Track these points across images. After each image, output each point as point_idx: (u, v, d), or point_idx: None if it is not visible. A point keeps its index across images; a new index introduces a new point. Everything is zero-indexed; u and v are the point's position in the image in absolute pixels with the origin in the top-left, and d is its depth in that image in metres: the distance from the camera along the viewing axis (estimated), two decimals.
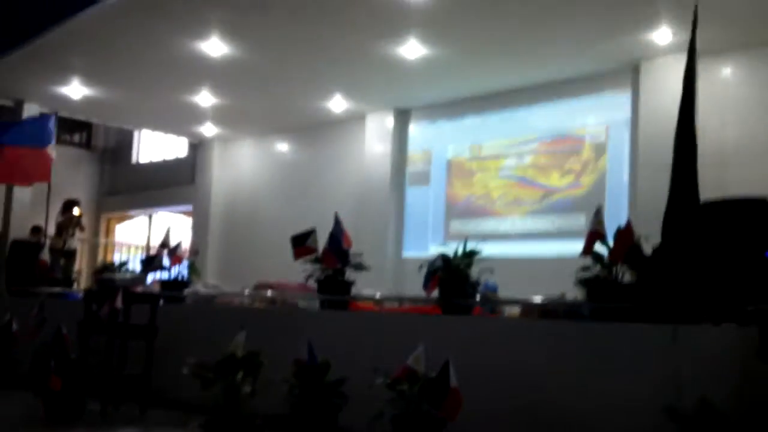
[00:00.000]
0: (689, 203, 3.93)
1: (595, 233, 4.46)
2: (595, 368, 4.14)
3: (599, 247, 4.51)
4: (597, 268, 4.47)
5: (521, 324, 5.15)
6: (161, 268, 7.19)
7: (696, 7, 4.99)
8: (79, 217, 11.33)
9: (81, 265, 12.92)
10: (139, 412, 5.87)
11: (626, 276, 4.40)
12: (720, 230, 3.93)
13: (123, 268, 7.94)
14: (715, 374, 3.66)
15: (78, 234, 11.39)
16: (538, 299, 5.45)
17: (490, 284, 6.38)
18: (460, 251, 5.24)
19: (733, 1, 7.15)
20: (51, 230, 11.07)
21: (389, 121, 11.85)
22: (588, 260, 4.55)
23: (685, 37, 5.12)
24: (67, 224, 11.18)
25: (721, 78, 8.55)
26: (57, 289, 8.67)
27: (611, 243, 4.42)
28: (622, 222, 4.52)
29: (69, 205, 11.44)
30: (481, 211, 10.84)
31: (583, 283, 4.51)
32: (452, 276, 5.16)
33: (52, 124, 9.97)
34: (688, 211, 3.88)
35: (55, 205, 11.15)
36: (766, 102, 8.27)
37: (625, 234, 4.34)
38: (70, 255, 10.97)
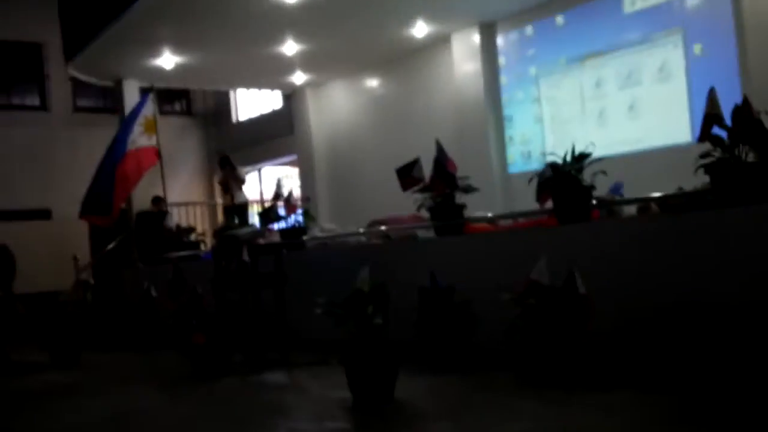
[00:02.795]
0: None
1: (712, 115, 4.23)
2: (727, 258, 3.98)
3: (718, 130, 4.28)
4: (718, 152, 4.25)
5: (643, 223, 4.99)
6: (278, 219, 7.42)
7: None
8: (233, 169, 11.54)
9: (203, 226, 13.51)
10: (281, 357, 6.17)
11: (750, 156, 4.17)
12: None
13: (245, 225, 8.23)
14: None
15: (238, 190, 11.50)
16: (656, 195, 5.27)
17: (616, 185, 6.22)
18: (568, 158, 5.12)
19: None
20: (171, 199, 11.59)
21: (475, 37, 11.54)
22: (706, 146, 4.33)
23: None
24: (227, 179, 11.51)
25: None
26: (186, 253, 9.14)
27: (729, 123, 4.19)
28: (737, 100, 4.26)
29: (223, 161, 11.71)
30: (581, 113, 10.48)
31: (705, 169, 4.30)
32: (564, 183, 5.05)
33: (148, 101, 10.43)
34: None
35: (170, 175, 11.63)
36: None
37: (743, 110, 4.09)
38: (242, 210, 11.16)
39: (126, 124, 10.60)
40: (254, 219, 8.35)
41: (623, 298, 4.40)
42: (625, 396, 3.86)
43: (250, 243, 6.45)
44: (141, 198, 12.03)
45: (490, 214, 7.15)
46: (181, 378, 5.89)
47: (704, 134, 4.24)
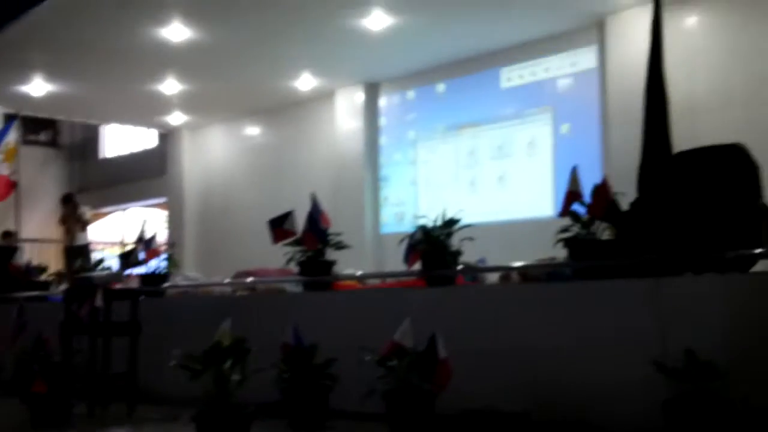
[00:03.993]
0: (662, 155, 3.91)
1: (572, 193, 4.44)
2: (581, 326, 4.14)
3: (577, 207, 4.50)
4: (576, 228, 4.46)
5: (505, 290, 5.13)
6: (139, 263, 7.09)
7: None
8: (75, 208, 11.07)
9: (58, 265, 12.73)
10: (128, 411, 5.81)
11: (606, 233, 4.39)
12: (694, 180, 3.92)
13: (100, 266, 7.82)
14: (700, 324, 3.67)
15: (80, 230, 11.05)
16: (518, 264, 5.44)
17: (481, 260, 6.40)
18: (438, 222, 5.21)
19: None
20: (25, 234, 10.90)
21: (359, 95, 11.75)
22: (567, 220, 4.53)
23: None
24: (68, 218, 10.95)
25: (687, 27, 8.53)
26: (34, 293, 8.52)
27: (588, 201, 4.41)
28: (597, 180, 4.51)
29: (66, 199, 11.21)
30: (454, 180, 10.80)
31: (564, 243, 4.49)
32: (433, 247, 5.13)
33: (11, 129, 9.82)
34: (662, 162, 3.86)
35: (27, 208, 10.97)
36: (732, 49, 8.28)
37: (602, 191, 4.32)
38: (82, 251, 10.67)
39: None
40: (113, 262, 7.97)
41: (480, 362, 4.46)
42: None
43: (105, 287, 6.10)
44: None
45: (359, 272, 7.15)
46: (18, 428, 5.44)
47: (565, 210, 4.44)
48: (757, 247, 3.71)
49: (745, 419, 3.12)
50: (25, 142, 13.89)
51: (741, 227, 3.74)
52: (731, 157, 3.89)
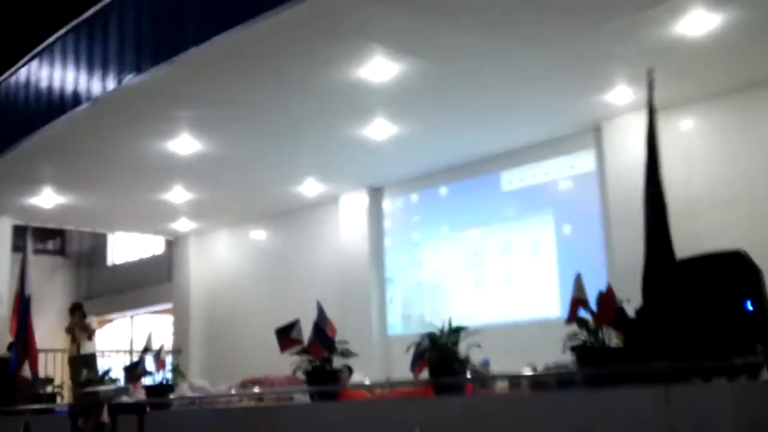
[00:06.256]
0: (665, 263, 3.97)
1: (578, 300, 4.48)
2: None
3: (583, 313, 4.53)
4: (584, 334, 4.47)
5: (515, 398, 5.08)
6: (145, 374, 7.06)
7: (650, 69, 5.17)
8: (82, 318, 11.20)
9: (63, 376, 12.62)
10: None
11: (613, 339, 4.40)
12: (698, 287, 3.97)
13: (106, 377, 7.77)
14: (710, 430, 3.63)
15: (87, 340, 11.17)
16: (527, 370, 5.41)
17: (485, 360, 6.38)
18: (446, 328, 5.23)
19: (685, 57, 7.37)
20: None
21: (363, 200, 11.93)
22: (574, 327, 4.55)
23: (643, 94, 5.29)
24: (73, 327, 11.07)
25: (684, 131, 8.73)
26: (40, 406, 8.43)
27: (594, 307, 4.44)
28: (602, 284, 4.56)
29: (74, 308, 11.38)
30: (460, 280, 10.83)
31: (573, 350, 4.50)
32: (441, 355, 5.13)
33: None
34: (666, 271, 3.92)
35: (34, 317, 10.95)
36: (728, 150, 8.46)
37: (607, 298, 4.37)
38: (88, 361, 10.69)
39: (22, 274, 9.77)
40: (119, 371, 7.92)
41: None
42: None
43: (110, 401, 6.05)
44: None
45: (367, 379, 7.09)
46: None
47: (571, 316, 4.47)
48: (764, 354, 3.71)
49: None
50: (33, 251, 13.98)
51: (746, 333, 3.76)
52: (733, 265, 3.95)
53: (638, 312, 4.22)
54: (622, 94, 8.38)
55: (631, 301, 4.38)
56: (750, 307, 3.94)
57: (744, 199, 8.19)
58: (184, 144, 9.45)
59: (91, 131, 9.06)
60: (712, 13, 6.53)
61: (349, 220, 12.07)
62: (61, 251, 17.62)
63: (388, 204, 11.95)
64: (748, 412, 3.59)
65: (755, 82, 8.01)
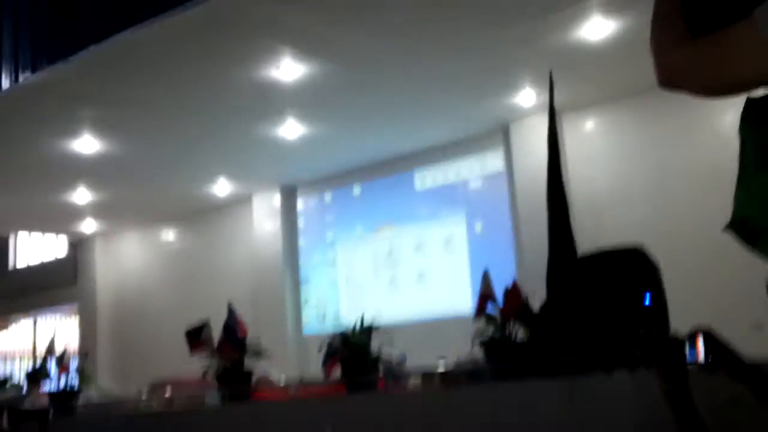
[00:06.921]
0: (567, 258, 4.12)
1: (485, 295, 4.60)
2: (503, 427, 4.20)
3: (491, 308, 4.64)
4: (491, 329, 4.59)
5: (426, 394, 5.16)
6: (48, 377, 6.79)
7: (551, 72, 5.36)
8: None
9: None
10: None
11: (519, 334, 4.53)
12: (599, 282, 4.13)
13: (8, 384, 7.43)
14: (614, 421, 3.79)
15: None
16: (439, 365, 5.51)
17: (401, 356, 6.44)
18: (357, 326, 5.26)
19: (586, 61, 7.64)
20: None
21: (276, 199, 11.83)
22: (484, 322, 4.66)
23: (546, 97, 5.46)
24: None
25: (586, 131, 9.08)
26: None
27: (501, 303, 4.56)
28: (511, 277, 4.69)
29: None
30: (374, 279, 10.90)
31: (480, 344, 4.61)
32: (353, 353, 5.15)
33: None
34: (568, 266, 4.06)
35: None
36: (625, 149, 8.84)
37: (512, 293, 4.49)
38: None
39: None
40: (21, 375, 7.59)
41: None
42: None
43: (11, 407, 5.80)
44: None
45: (281, 379, 7.05)
46: None
47: (479, 312, 4.58)
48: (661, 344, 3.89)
49: None
50: None
51: (645, 326, 3.93)
52: (632, 260, 4.13)
53: (542, 307, 4.36)
54: (528, 97, 8.62)
55: (538, 295, 4.53)
56: (648, 301, 4.12)
57: (642, 196, 8.57)
58: (87, 144, 9.14)
59: None
60: (609, 19, 6.80)
61: (262, 219, 11.95)
62: None
63: (301, 203, 11.90)
64: (648, 402, 3.76)
65: (649, 85, 8.31)
